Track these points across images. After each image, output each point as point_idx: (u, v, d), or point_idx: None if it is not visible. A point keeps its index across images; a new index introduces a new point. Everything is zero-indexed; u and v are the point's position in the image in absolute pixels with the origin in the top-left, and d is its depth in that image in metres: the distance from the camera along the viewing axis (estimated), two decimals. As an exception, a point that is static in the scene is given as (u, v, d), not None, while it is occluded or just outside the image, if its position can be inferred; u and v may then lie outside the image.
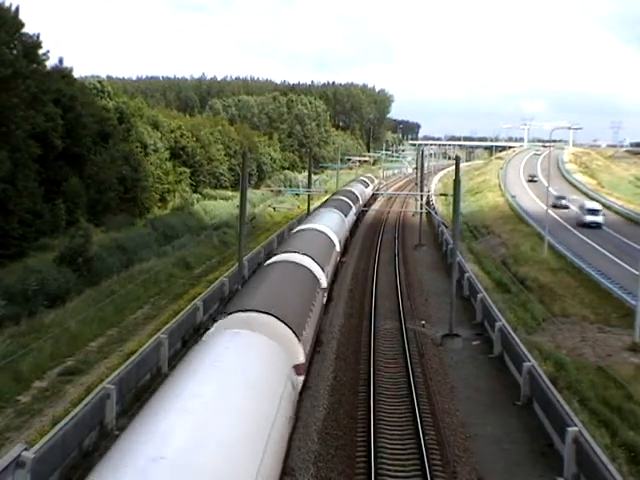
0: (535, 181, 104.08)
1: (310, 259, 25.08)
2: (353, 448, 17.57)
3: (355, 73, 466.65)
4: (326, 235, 33.46)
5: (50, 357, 24.91)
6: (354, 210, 53.59)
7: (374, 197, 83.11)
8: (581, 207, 66.06)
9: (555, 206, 72.30)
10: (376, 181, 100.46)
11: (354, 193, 62.37)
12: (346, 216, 45.86)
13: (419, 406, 19.91)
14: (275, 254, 26.53)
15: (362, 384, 22.03)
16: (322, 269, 25.36)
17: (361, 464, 16.66)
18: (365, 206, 71.30)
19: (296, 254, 25.13)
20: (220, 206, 73.28)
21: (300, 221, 50.92)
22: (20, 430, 19.07)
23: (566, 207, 73.88)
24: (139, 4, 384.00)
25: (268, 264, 24.30)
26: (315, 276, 23.67)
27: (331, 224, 37.26)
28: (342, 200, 52.59)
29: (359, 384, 22.10)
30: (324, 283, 25.10)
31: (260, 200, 77.79)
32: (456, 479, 16.18)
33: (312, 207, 55.05)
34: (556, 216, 65.87)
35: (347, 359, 24.71)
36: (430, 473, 16.00)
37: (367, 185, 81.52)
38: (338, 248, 34.86)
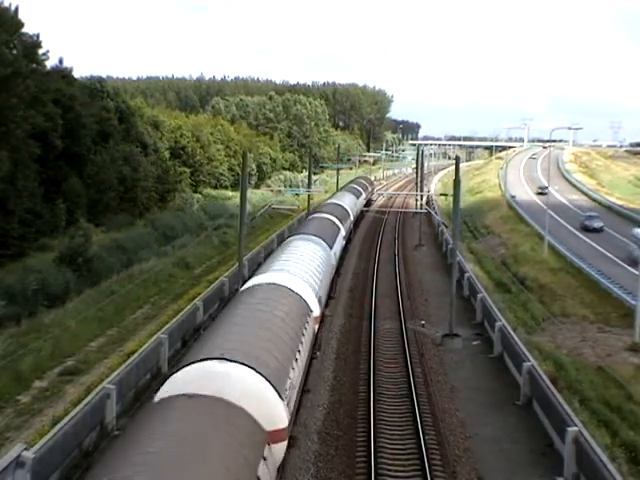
0: (545, 194, 79.23)
1: (255, 374, 12.65)
2: (353, 448, 17.58)
3: (355, 73, 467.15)
4: (296, 296, 19.85)
5: (50, 357, 24.93)
6: (343, 232, 40.09)
7: (371, 200, 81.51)
8: (635, 238, 50.43)
9: (586, 229, 60.30)
10: (369, 188, 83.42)
11: (343, 207, 48.29)
12: (331, 246, 31.91)
13: (419, 406, 19.92)
14: (188, 362, 12.99)
15: (362, 384, 22.04)
16: (280, 395, 12.85)
17: (361, 464, 16.67)
18: (366, 206, 71.12)
19: (227, 365, 12.59)
20: (221, 205, 73.38)
21: (299, 221, 50.69)
22: (20, 430, 19.08)
23: (600, 230, 59.98)
24: (139, 4, 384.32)
25: (157, 402, 12.05)
26: (255, 423, 11.78)
27: (308, 270, 23.46)
28: (327, 220, 38.79)
29: (359, 384, 22.11)
30: (284, 420, 12.85)
31: (260, 200, 77.79)
32: (456, 479, 16.19)
33: (312, 207, 55.02)
34: (590, 240, 54.90)
35: (347, 359, 24.72)
36: (430, 473, 16.02)
37: (359, 194, 66.31)
38: (317, 311, 21.37)
